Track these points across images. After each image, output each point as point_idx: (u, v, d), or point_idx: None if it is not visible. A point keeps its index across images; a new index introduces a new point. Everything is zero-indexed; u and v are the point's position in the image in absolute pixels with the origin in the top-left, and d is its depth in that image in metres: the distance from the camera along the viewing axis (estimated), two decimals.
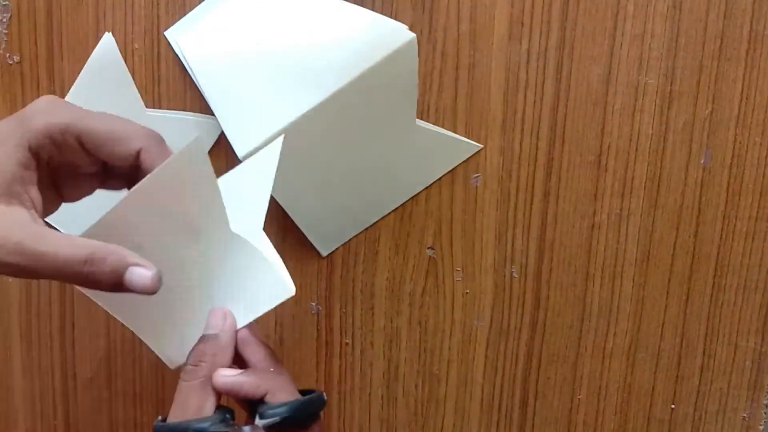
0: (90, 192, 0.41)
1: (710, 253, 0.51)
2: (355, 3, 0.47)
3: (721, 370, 0.52)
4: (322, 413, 0.41)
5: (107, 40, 0.50)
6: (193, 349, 0.40)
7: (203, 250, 0.40)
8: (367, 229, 0.52)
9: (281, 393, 0.39)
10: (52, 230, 0.36)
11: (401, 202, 0.51)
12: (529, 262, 0.51)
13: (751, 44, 0.48)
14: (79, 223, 0.41)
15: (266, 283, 0.40)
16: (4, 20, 0.50)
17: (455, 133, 0.50)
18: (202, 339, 0.40)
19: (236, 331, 0.40)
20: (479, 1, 0.48)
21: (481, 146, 0.50)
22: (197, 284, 0.41)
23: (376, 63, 0.45)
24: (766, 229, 0.50)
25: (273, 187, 0.43)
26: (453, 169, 0.51)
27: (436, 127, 0.50)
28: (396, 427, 0.54)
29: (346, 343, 0.54)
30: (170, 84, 0.50)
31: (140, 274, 0.35)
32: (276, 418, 0.38)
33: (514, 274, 0.52)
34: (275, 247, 0.47)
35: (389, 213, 0.51)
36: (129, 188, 0.39)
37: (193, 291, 0.41)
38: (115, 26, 0.50)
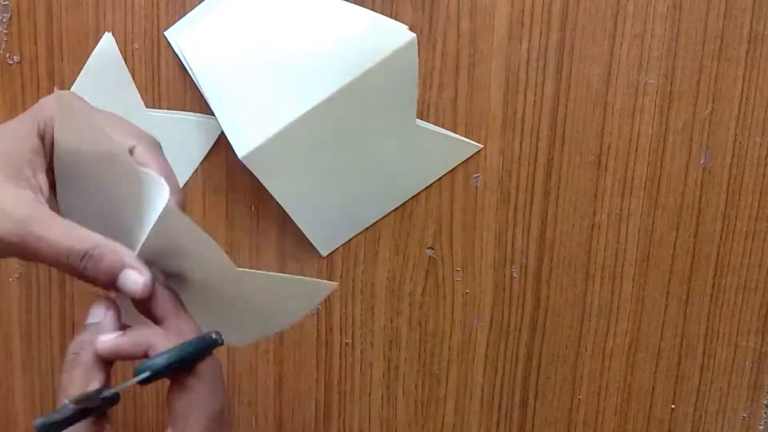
0: None
1: (710, 253, 0.51)
2: (355, 3, 0.47)
3: (721, 370, 0.52)
4: (214, 351, 0.38)
5: (107, 40, 0.50)
6: (74, 340, 0.37)
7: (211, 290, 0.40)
8: (367, 229, 0.52)
9: (162, 346, 0.36)
10: (58, 216, 0.36)
11: (401, 202, 0.51)
12: (529, 262, 0.51)
13: (751, 44, 0.48)
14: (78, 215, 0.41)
15: (297, 290, 0.41)
16: (4, 20, 0.50)
17: (455, 133, 0.50)
18: (84, 328, 0.38)
19: (143, 288, 0.37)
20: (479, 1, 0.48)
21: (481, 146, 0.50)
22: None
23: (376, 63, 0.45)
24: (766, 229, 0.50)
25: (273, 187, 0.43)
26: (453, 169, 0.51)
27: (436, 127, 0.50)
28: (396, 427, 0.54)
29: (346, 343, 0.54)
30: (170, 84, 0.51)
31: (133, 279, 0.36)
32: (146, 373, 0.35)
33: (514, 274, 0.52)
34: (275, 246, 0.48)
35: (389, 213, 0.51)
36: None
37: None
38: (115, 26, 0.50)
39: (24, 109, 0.47)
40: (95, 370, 0.36)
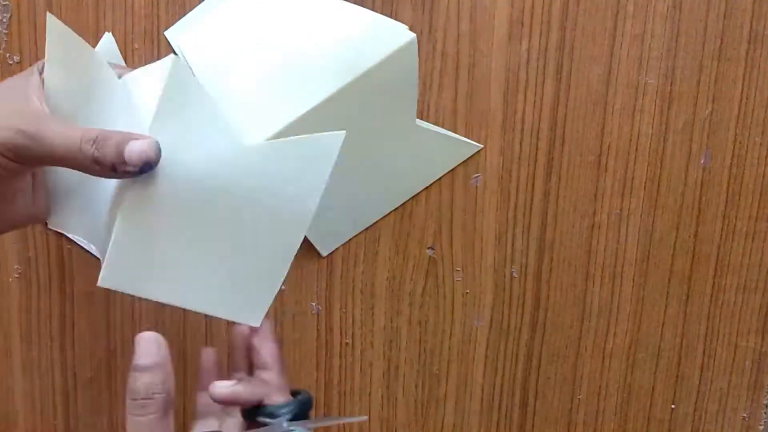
0: None
1: (710, 253, 0.51)
2: (355, 3, 0.47)
3: (721, 370, 0.52)
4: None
5: (107, 40, 0.50)
6: (135, 380, 0.37)
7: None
8: (367, 229, 0.52)
9: (276, 396, 0.40)
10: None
11: (401, 202, 0.51)
12: (529, 262, 0.51)
13: (751, 44, 0.48)
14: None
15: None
16: (4, 20, 0.50)
17: (455, 133, 0.50)
18: (143, 369, 0.37)
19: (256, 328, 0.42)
20: (479, 1, 0.48)
21: (481, 146, 0.50)
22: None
23: (376, 63, 0.45)
24: (766, 229, 0.50)
25: None
26: (453, 169, 0.51)
27: (436, 127, 0.50)
28: (396, 427, 0.54)
29: (346, 343, 0.54)
30: None
31: (138, 145, 0.37)
32: (288, 414, 0.39)
33: (514, 274, 0.52)
34: None
35: (389, 213, 0.51)
36: None
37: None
38: (115, 26, 0.50)
39: None
40: (169, 411, 0.37)
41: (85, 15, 0.50)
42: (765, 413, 0.53)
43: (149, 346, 0.37)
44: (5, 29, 0.50)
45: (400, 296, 0.53)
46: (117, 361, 0.54)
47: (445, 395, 0.54)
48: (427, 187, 0.51)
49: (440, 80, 0.49)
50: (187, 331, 0.53)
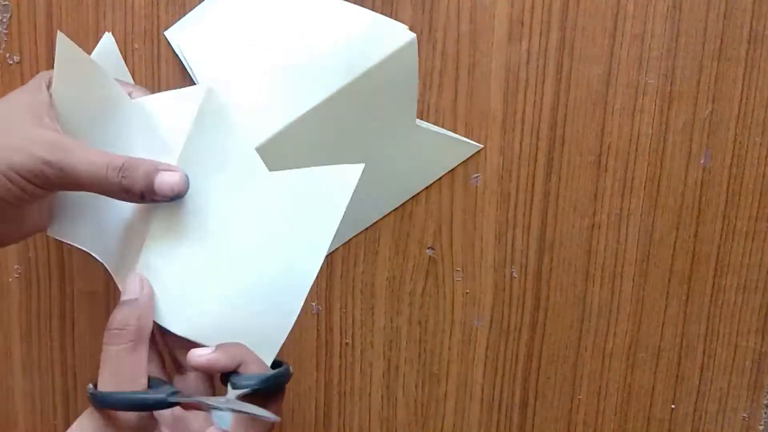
0: None
1: (710, 253, 0.51)
2: (355, 3, 0.47)
3: (721, 370, 0.52)
4: (286, 386, 0.42)
5: (107, 40, 0.50)
6: (114, 313, 0.39)
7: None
8: (367, 229, 0.52)
9: (253, 365, 0.40)
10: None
11: (401, 202, 0.51)
12: (529, 262, 0.51)
13: (751, 44, 0.48)
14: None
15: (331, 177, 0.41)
16: (4, 20, 0.50)
17: (455, 133, 0.50)
18: (123, 304, 0.40)
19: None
20: (479, 1, 0.48)
21: (481, 146, 0.50)
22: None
23: (376, 63, 0.45)
24: (766, 229, 0.50)
25: None
26: (453, 169, 0.51)
27: (436, 127, 0.50)
28: (396, 427, 0.54)
29: (346, 343, 0.54)
30: (170, 84, 0.50)
31: (168, 177, 0.38)
32: (247, 389, 0.39)
33: (514, 274, 0.52)
34: None
35: (389, 213, 0.51)
36: None
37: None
38: (115, 26, 0.50)
39: None
40: (140, 346, 0.39)
41: (85, 15, 0.50)
42: (765, 413, 0.53)
43: (133, 285, 0.40)
44: (5, 29, 0.50)
45: (400, 296, 0.53)
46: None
47: (445, 395, 0.54)
48: (427, 187, 0.51)
49: (440, 80, 0.49)
50: None
